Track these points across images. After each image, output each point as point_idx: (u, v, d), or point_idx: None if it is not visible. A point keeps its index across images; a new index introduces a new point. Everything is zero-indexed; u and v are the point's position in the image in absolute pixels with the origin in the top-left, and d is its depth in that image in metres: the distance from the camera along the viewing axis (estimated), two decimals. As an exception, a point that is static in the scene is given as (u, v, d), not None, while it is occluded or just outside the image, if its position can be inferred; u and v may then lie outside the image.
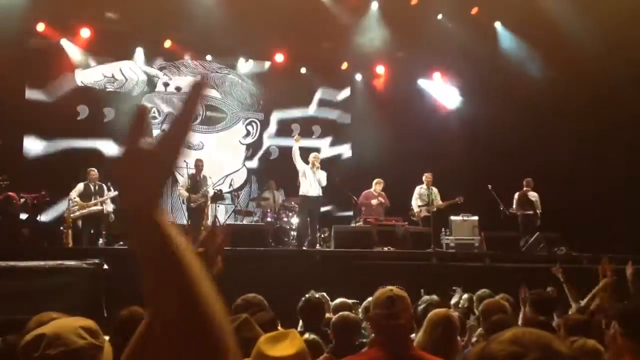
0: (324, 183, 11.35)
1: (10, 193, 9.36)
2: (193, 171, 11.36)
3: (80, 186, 10.72)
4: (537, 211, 12.40)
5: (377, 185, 12.30)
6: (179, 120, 0.90)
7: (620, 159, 12.79)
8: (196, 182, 11.29)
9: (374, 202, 12.16)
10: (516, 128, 13.79)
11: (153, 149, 0.87)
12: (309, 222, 11.47)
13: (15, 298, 7.15)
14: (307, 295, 4.91)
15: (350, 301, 5.86)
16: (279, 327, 3.46)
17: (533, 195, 12.47)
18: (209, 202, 11.28)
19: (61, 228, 10.24)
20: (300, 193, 11.43)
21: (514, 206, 12.51)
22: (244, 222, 12.27)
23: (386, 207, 12.25)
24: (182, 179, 11.32)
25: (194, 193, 11.18)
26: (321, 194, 11.39)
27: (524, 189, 12.51)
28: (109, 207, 10.86)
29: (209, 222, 11.08)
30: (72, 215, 10.29)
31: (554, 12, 13.49)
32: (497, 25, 15.23)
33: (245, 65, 15.17)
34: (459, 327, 3.84)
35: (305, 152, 11.54)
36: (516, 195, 12.54)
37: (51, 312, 2.54)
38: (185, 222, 11.03)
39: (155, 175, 0.87)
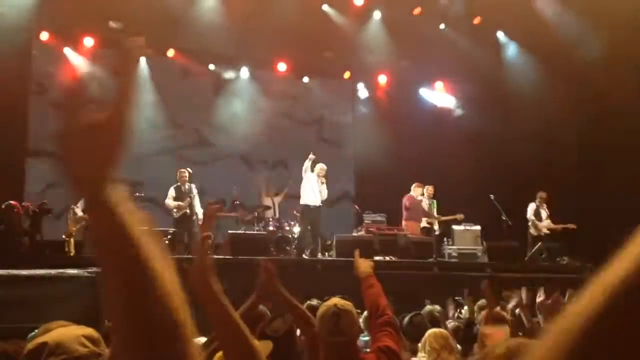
0: (326, 196, 11.42)
1: (11, 202, 9.37)
2: (178, 183, 11.31)
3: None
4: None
5: (420, 189, 12.32)
6: (121, 83, 0.82)
7: (624, 167, 12.75)
8: (181, 193, 11.24)
9: (425, 204, 12.25)
10: (518, 137, 13.79)
11: (99, 118, 0.79)
12: (310, 231, 11.48)
13: (16, 307, 7.13)
14: (308, 302, 4.91)
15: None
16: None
17: (544, 211, 12.39)
18: (197, 212, 11.19)
19: (63, 237, 10.23)
20: (302, 202, 11.44)
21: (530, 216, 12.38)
22: (246, 230, 12.24)
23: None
24: (170, 191, 11.29)
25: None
26: (321, 204, 11.40)
27: (537, 202, 12.41)
28: None
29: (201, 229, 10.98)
30: (74, 227, 10.27)
31: (556, 21, 13.52)
32: (500, 34, 15.27)
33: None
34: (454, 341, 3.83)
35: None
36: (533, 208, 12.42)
37: (60, 321, 2.53)
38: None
39: (104, 148, 0.79)
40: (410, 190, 12.43)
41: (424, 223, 12.26)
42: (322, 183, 11.34)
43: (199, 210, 11.11)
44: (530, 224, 12.24)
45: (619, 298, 0.62)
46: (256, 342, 1.78)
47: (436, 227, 12.27)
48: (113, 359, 1.58)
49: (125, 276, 0.77)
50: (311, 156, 11.54)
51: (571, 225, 11.96)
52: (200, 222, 10.53)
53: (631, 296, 0.62)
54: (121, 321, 0.77)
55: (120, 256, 0.77)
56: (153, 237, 0.80)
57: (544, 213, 12.30)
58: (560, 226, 12.10)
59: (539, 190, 12.56)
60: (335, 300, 2.93)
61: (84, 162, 0.78)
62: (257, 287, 2.96)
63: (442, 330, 4.38)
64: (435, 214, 12.42)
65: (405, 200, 12.25)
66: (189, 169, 11.39)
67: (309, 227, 11.46)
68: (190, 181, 11.33)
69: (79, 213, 10.49)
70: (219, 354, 2.07)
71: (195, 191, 11.39)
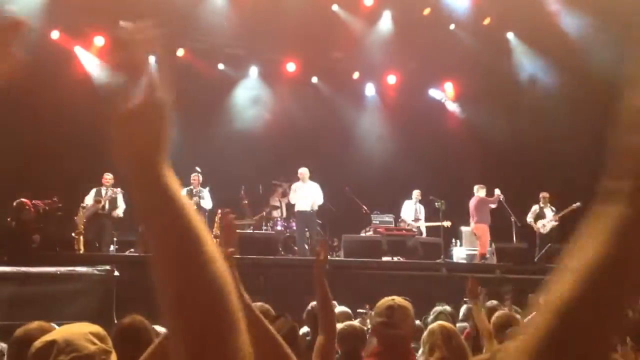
0: (320, 201, 11.60)
1: (22, 199, 9.42)
2: (191, 186, 11.50)
3: (92, 191, 10.77)
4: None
5: (484, 190, 12.35)
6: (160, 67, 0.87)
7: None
8: (192, 196, 11.41)
9: (492, 206, 12.29)
10: (528, 138, 13.74)
11: (142, 102, 0.83)
12: (306, 233, 11.61)
13: (27, 304, 7.19)
14: (313, 304, 4.90)
15: (349, 310, 5.84)
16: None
17: (549, 210, 12.34)
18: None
19: (73, 235, 10.28)
20: (295, 210, 11.63)
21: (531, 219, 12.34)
22: (254, 230, 12.26)
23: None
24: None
25: None
26: (316, 209, 11.61)
27: (540, 203, 12.36)
28: (120, 211, 10.89)
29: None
30: (83, 220, 10.33)
31: (566, 22, 13.46)
32: (510, 35, 15.20)
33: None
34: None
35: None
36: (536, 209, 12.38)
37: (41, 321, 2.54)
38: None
39: (152, 129, 0.83)
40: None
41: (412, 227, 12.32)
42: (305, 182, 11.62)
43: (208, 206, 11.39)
44: (533, 225, 12.18)
45: (588, 282, 0.65)
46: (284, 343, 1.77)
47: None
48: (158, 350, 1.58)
49: (179, 257, 0.77)
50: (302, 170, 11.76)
51: (575, 205, 11.76)
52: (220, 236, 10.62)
53: (599, 279, 0.64)
54: (174, 308, 0.76)
55: (176, 235, 0.78)
56: (202, 221, 0.81)
57: (549, 213, 12.25)
58: (564, 211, 12.02)
59: (549, 191, 12.52)
60: (395, 297, 3.01)
61: (137, 144, 0.81)
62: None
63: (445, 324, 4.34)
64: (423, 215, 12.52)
65: (472, 203, 12.24)
66: (199, 174, 11.57)
67: (305, 230, 11.59)
68: (201, 184, 11.57)
69: (89, 202, 10.55)
70: None
71: (206, 194, 11.51)
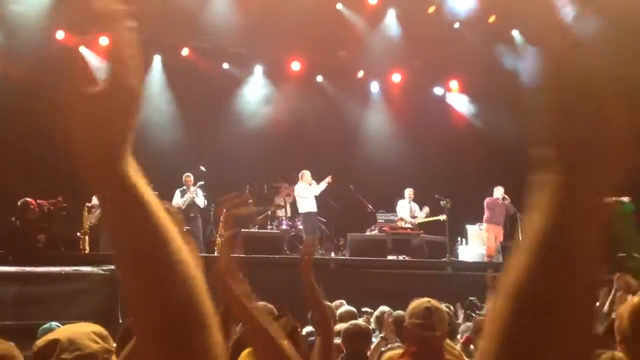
0: (317, 193, 11.91)
1: (27, 199, 9.44)
2: (184, 187, 11.73)
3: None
4: None
5: (500, 190, 12.40)
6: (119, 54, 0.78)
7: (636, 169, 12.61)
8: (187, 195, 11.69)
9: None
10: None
11: (102, 89, 0.74)
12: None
13: (32, 304, 7.20)
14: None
15: (354, 309, 5.83)
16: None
17: None
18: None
19: (78, 234, 10.30)
20: (304, 211, 11.73)
21: None
22: (259, 229, 12.26)
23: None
24: (176, 194, 11.67)
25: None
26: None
27: None
28: None
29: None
30: (90, 222, 10.34)
31: (573, 20, 13.39)
32: (515, 33, 15.14)
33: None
34: None
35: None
36: None
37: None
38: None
39: (113, 118, 0.74)
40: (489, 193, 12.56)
41: (407, 225, 12.34)
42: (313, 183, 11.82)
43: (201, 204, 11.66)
44: None
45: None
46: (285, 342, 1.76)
47: None
48: (135, 348, 1.57)
49: (146, 261, 0.74)
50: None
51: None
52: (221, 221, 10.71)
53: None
54: (140, 309, 0.74)
55: (140, 234, 0.73)
56: (171, 216, 0.77)
57: None
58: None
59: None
60: (426, 298, 3.05)
61: (93, 135, 0.73)
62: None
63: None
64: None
65: (486, 203, 12.23)
66: (191, 174, 11.80)
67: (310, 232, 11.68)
68: (195, 184, 11.76)
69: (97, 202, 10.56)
70: (247, 350, 2.06)
71: (199, 193, 11.73)
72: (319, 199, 12.36)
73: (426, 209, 12.52)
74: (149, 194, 0.74)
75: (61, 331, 1.85)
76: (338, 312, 5.71)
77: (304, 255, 2.68)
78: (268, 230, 12.09)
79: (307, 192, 11.74)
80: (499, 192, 12.26)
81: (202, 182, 11.52)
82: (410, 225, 12.23)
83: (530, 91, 0.68)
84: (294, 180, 12.36)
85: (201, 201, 11.52)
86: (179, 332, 0.72)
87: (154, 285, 0.73)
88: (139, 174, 0.75)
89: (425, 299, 3.03)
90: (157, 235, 0.73)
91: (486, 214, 12.16)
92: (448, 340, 3.40)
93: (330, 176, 11.97)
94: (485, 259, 11.84)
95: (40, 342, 1.81)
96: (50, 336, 1.81)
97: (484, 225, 12.20)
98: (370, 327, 4.88)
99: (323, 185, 11.95)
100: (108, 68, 0.75)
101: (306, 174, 11.83)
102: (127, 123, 0.75)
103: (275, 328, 1.71)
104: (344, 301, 6.73)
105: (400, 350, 3.51)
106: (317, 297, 2.82)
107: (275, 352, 1.67)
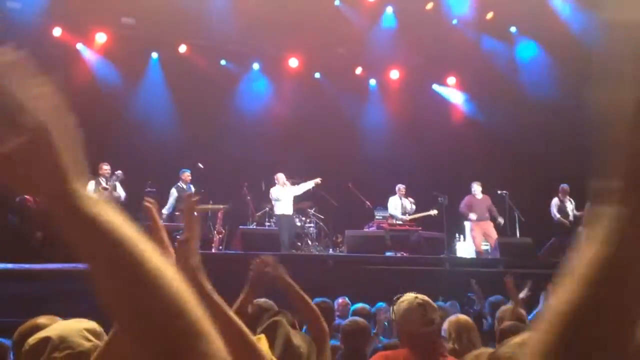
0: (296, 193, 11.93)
1: (25, 196, 9.41)
2: (179, 183, 11.67)
3: (90, 185, 10.72)
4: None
5: (479, 186, 12.35)
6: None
7: None
8: (183, 192, 11.57)
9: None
10: (532, 133, 13.69)
11: (18, 143, 0.70)
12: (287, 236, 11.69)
13: (29, 301, 7.18)
14: (316, 300, 4.88)
15: (366, 305, 5.83)
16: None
17: (569, 202, 12.27)
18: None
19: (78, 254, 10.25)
20: (279, 213, 11.70)
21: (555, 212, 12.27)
22: (257, 226, 12.26)
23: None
24: (172, 191, 11.62)
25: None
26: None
27: (560, 195, 12.27)
28: (121, 194, 10.91)
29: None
30: None
31: (569, 16, 13.40)
32: (513, 30, 15.14)
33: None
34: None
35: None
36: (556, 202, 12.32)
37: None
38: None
39: (45, 161, 0.71)
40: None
41: (398, 221, 12.30)
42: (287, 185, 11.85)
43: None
44: (561, 220, 12.05)
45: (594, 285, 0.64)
46: (253, 338, 1.76)
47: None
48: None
49: (122, 281, 0.72)
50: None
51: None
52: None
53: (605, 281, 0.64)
54: (129, 329, 0.73)
55: (110, 255, 0.72)
56: (135, 228, 0.75)
57: (569, 205, 12.17)
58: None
59: (552, 185, 12.48)
60: (412, 294, 3.06)
61: (37, 182, 0.72)
62: (249, 282, 2.98)
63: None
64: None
65: (464, 203, 12.24)
66: (188, 171, 11.76)
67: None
68: (192, 181, 11.76)
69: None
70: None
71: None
72: (315, 196, 12.33)
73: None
74: (111, 218, 0.72)
75: (54, 328, 1.83)
76: (352, 307, 5.74)
77: (256, 271, 2.67)
78: (266, 227, 12.09)
79: (280, 195, 11.75)
80: (477, 188, 12.24)
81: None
82: (401, 222, 12.19)
83: (599, 127, 0.67)
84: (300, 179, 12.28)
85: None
86: (172, 344, 0.71)
87: (135, 303, 0.71)
88: (94, 200, 0.72)
89: (412, 295, 3.05)
90: (127, 255, 0.71)
91: (466, 213, 12.18)
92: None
93: (319, 178, 11.96)
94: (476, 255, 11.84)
95: (31, 339, 1.79)
96: (41, 333, 1.79)
97: (468, 224, 12.20)
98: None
99: (309, 185, 11.91)
100: (15, 119, 0.71)
101: (280, 176, 11.83)
102: (60, 158, 0.72)
103: (241, 324, 1.71)
104: (346, 297, 6.74)
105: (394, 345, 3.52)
106: (298, 294, 2.81)
107: (244, 346, 1.67)
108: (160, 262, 0.73)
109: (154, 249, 0.74)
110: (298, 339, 2.35)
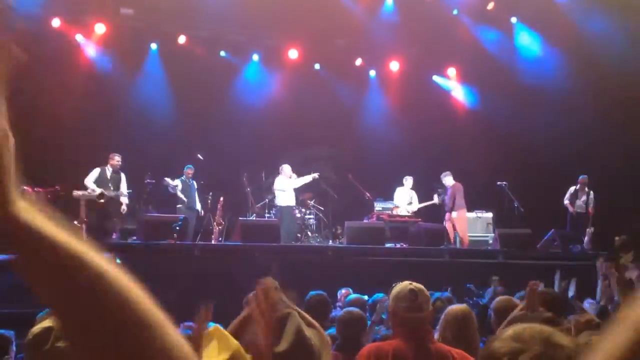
0: (296, 186, 12.09)
1: (24, 187, 9.39)
2: (183, 177, 11.83)
3: (96, 171, 10.72)
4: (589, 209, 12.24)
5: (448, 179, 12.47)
6: None
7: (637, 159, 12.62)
8: (187, 186, 11.83)
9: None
10: (531, 124, 13.68)
11: None
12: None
13: (27, 291, 7.19)
14: (311, 293, 4.90)
15: (363, 296, 5.84)
16: None
17: (585, 194, 12.30)
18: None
19: (75, 222, 10.27)
20: (284, 204, 11.81)
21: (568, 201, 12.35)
22: (257, 217, 12.27)
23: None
24: (176, 182, 11.76)
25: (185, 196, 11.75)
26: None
27: (577, 186, 12.32)
28: (125, 199, 10.89)
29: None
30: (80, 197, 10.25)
31: (571, 6, 13.37)
32: (514, 20, 15.10)
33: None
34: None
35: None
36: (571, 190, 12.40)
37: None
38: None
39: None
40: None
41: (403, 212, 12.35)
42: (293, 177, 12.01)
43: (198, 205, 11.97)
44: (569, 206, 12.26)
45: None
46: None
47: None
48: None
49: (65, 291, 0.70)
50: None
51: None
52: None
53: None
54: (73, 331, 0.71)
55: (50, 267, 0.70)
56: (78, 236, 0.73)
57: (583, 197, 12.21)
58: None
59: (552, 176, 12.52)
60: (407, 281, 3.09)
61: None
62: (248, 305, 2.77)
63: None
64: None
65: (452, 190, 12.29)
66: (192, 166, 11.96)
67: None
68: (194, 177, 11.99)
69: (90, 185, 10.51)
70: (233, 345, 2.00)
71: (194, 186, 11.94)
72: (315, 187, 12.38)
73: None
74: (49, 228, 0.70)
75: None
76: (347, 298, 5.75)
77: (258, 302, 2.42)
78: (266, 219, 12.11)
79: (285, 186, 11.82)
80: (449, 180, 12.31)
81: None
82: (407, 213, 12.25)
83: None
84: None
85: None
86: (124, 337, 0.69)
87: (82, 307, 0.70)
88: (33, 211, 0.71)
89: (407, 282, 3.08)
90: (67, 261, 0.69)
91: (460, 201, 12.25)
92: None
93: (317, 173, 12.05)
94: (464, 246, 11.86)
95: (35, 329, 1.80)
96: (45, 324, 1.80)
97: (455, 213, 12.23)
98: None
99: (307, 179, 11.98)
100: None
101: (286, 167, 11.91)
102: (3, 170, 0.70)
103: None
104: (350, 289, 6.75)
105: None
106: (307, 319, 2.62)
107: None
108: (102, 261, 0.72)
109: (92, 249, 0.72)
110: (310, 332, 2.34)
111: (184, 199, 11.62)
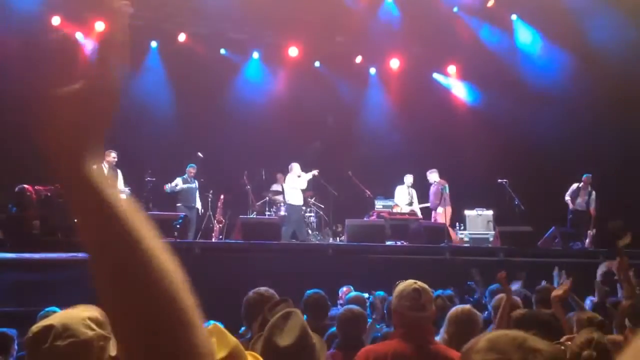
0: (304, 186, 12.06)
1: (24, 185, 9.41)
2: (185, 175, 11.85)
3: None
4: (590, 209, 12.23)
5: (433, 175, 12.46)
6: (103, 48, 0.76)
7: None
8: (188, 185, 11.85)
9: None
10: (532, 121, 13.67)
11: (81, 88, 0.73)
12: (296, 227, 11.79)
13: (28, 290, 7.20)
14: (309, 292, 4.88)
15: (362, 294, 5.84)
16: None
17: (587, 193, 12.29)
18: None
19: (75, 220, 10.25)
20: (293, 203, 11.85)
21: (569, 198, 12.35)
22: (257, 215, 12.27)
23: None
24: (177, 180, 11.82)
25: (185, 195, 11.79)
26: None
27: (580, 184, 12.30)
28: (123, 196, 10.87)
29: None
30: None
31: (571, 3, 13.35)
32: (514, 17, 15.08)
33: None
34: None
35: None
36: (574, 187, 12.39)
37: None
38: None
39: (86, 118, 0.73)
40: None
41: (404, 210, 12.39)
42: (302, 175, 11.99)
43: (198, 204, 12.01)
44: (570, 203, 12.23)
45: None
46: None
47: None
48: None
49: (116, 259, 0.71)
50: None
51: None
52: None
53: None
54: (116, 308, 0.72)
55: (108, 235, 0.71)
56: (139, 215, 0.74)
57: (585, 195, 12.20)
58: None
59: (553, 174, 12.51)
60: (412, 280, 3.09)
61: (63, 133, 0.72)
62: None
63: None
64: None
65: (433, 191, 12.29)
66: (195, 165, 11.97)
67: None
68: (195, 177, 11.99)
69: None
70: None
71: (195, 184, 11.95)
72: (315, 185, 12.39)
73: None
74: (113, 195, 0.73)
75: (57, 317, 1.84)
76: (347, 296, 5.74)
77: None
78: (266, 217, 12.10)
79: (296, 184, 11.84)
80: (435, 176, 12.31)
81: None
82: (409, 212, 12.25)
83: None
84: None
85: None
86: (163, 331, 0.70)
87: (128, 282, 0.71)
88: (101, 175, 0.73)
89: (412, 281, 3.08)
90: (124, 234, 0.71)
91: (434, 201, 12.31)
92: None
93: (316, 170, 12.05)
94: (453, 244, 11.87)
95: (35, 327, 1.79)
96: (45, 322, 1.80)
97: (440, 210, 12.24)
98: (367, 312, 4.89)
99: (308, 176, 11.99)
100: (92, 65, 0.74)
101: (295, 166, 11.92)
102: (99, 125, 0.74)
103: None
104: (351, 287, 6.76)
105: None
106: None
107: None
108: (155, 239, 0.73)
109: (151, 230, 0.73)
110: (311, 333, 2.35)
111: (183, 188, 11.70)
